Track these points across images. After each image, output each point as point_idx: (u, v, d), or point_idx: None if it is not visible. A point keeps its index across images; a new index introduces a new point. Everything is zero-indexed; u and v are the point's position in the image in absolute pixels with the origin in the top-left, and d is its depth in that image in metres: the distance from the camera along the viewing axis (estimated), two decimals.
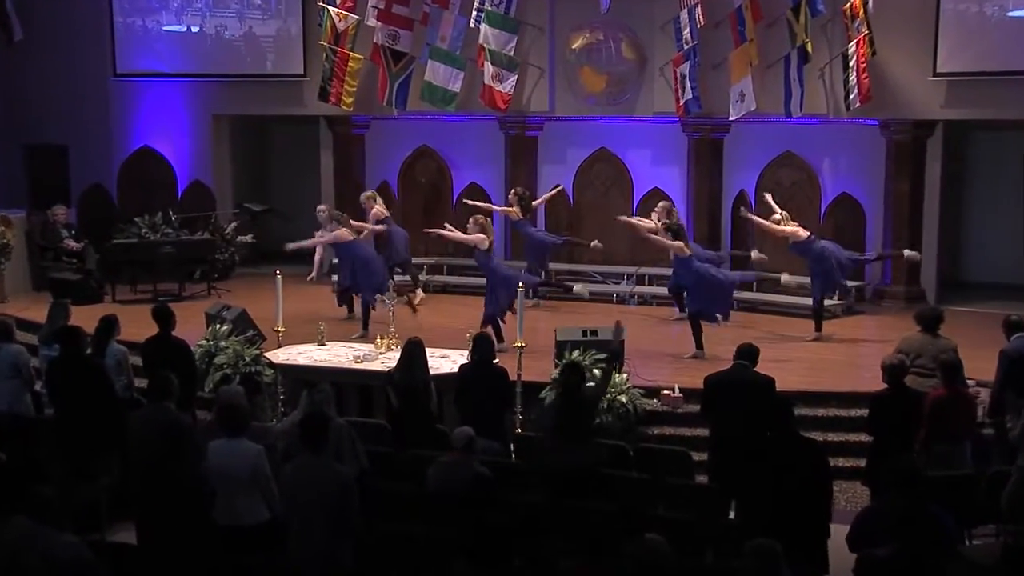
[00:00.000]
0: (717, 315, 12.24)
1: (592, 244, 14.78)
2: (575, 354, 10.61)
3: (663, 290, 15.77)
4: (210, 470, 6.98)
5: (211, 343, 11.47)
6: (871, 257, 14.46)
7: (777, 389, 8.63)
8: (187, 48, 17.67)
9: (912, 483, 6.28)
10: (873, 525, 6.42)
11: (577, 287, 13.26)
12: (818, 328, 13.29)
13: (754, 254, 13.79)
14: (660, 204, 14.41)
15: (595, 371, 10.04)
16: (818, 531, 6.98)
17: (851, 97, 14.39)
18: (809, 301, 14.04)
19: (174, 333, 9.71)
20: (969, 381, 9.41)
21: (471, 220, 12.75)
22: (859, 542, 6.49)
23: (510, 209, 15.05)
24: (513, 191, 15.31)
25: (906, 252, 13.80)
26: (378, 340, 11.27)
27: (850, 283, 15.05)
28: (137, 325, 10.88)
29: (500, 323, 12.18)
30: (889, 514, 6.30)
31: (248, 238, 17.14)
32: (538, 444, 8.22)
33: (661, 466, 8.44)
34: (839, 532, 6.84)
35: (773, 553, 5.57)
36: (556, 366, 10.77)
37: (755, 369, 8.46)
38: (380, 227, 14.55)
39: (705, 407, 8.64)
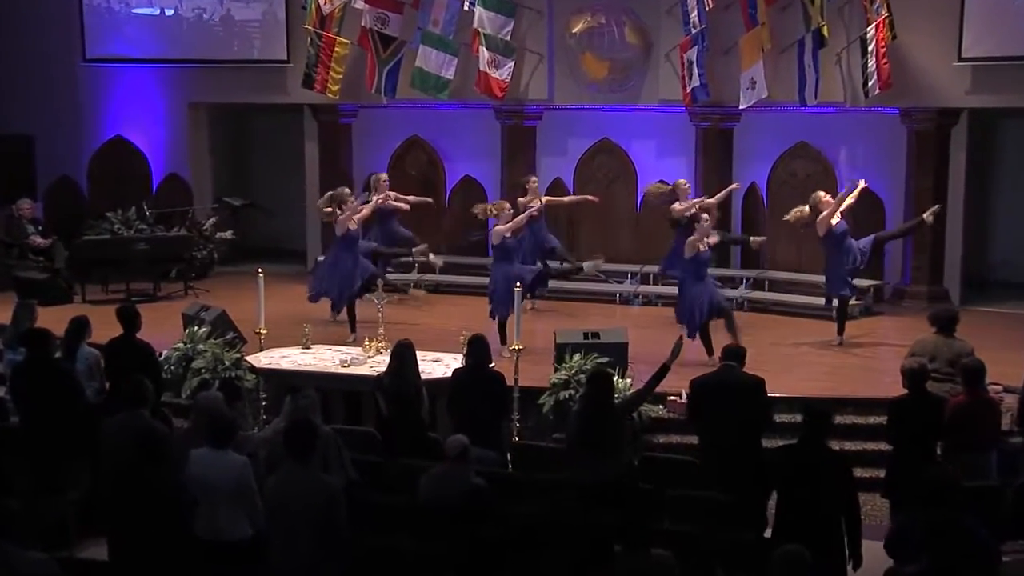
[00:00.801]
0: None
1: (580, 265, 13.75)
2: (576, 357, 10.64)
3: (669, 289, 15.81)
4: (191, 481, 7.00)
5: (188, 346, 11.49)
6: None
7: (801, 398, 8.65)
8: (162, 32, 17.68)
9: (947, 496, 6.26)
10: (904, 539, 6.44)
11: (587, 264, 13.24)
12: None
13: (753, 241, 13.72)
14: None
15: (625, 382, 10.10)
16: (839, 548, 7.04)
17: (870, 84, 14.42)
18: (823, 301, 14.12)
19: (141, 335, 9.71)
20: (995, 386, 9.44)
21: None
22: (897, 552, 6.51)
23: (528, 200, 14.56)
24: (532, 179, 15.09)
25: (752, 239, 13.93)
26: (366, 343, 11.29)
27: (868, 282, 15.14)
28: (109, 327, 10.85)
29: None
30: (920, 528, 6.30)
31: (228, 234, 17.16)
32: (566, 457, 8.25)
33: (667, 477, 8.46)
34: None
35: (801, 560, 5.68)
36: (556, 370, 10.80)
37: (743, 370, 8.49)
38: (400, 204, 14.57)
39: (692, 412, 8.66)
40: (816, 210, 12.82)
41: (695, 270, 12.09)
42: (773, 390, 9.78)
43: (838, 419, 10.61)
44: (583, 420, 7.96)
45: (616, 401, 8.44)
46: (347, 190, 13.98)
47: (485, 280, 16.08)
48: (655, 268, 16.06)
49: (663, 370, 8.50)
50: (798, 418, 8.92)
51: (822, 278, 15.01)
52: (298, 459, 6.77)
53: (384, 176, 15.24)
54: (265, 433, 8.52)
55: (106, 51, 17.82)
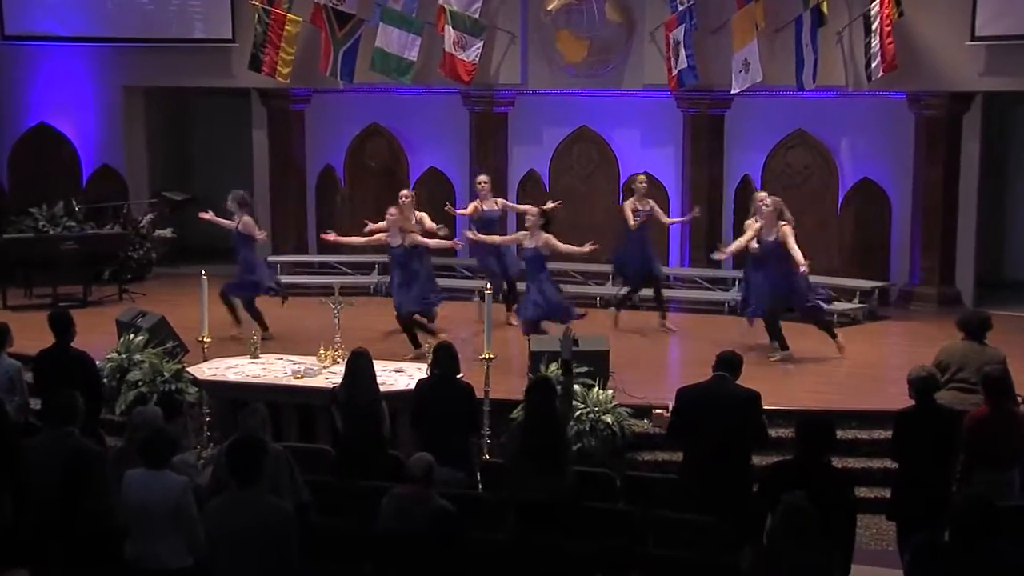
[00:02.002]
0: None
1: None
2: (552, 367, 10.65)
3: (651, 293, 15.85)
4: (124, 505, 6.97)
5: (123, 356, 11.43)
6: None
7: (799, 410, 8.66)
8: (93, 7, 17.58)
9: (981, 522, 6.27)
10: (926, 565, 6.45)
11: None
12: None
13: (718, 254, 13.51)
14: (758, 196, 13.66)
15: (607, 394, 10.12)
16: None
17: (874, 66, 14.52)
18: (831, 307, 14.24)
19: (74, 344, 9.65)
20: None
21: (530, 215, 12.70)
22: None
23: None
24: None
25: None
26: (321, 352, 11.26)
27: (872, 283, 15.24)
28: (33, 335, 10.81)
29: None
30: (945, 554, 6.32)
31: (167, 232, 17.11)
32: (505, 472, 8.26)
33: (652, 497, 8.47)
34: (862, 573, 6.91)
35: (803, 512, 6.11)
36: (529, 380, 10.81)
37: (737, 382, 8.51)
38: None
39: (674, 425, 8.63)
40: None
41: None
42: (770, 401, 9.82)
43: (840, 433, 10.67)
44: (527, 432, 8.00)
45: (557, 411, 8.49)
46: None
47: (453, 283, 16.21)
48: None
49: (566, 366, 8.65)
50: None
51: (820, 279, 15.13)
52: (243, 482, 6.74)
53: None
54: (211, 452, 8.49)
55: (28, 28, 17.71)
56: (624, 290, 14.50)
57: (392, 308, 12.87)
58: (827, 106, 15.93)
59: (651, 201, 14.22)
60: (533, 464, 7.86)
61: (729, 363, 8.52)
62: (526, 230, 12.64)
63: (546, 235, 12.48)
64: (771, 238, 12.38)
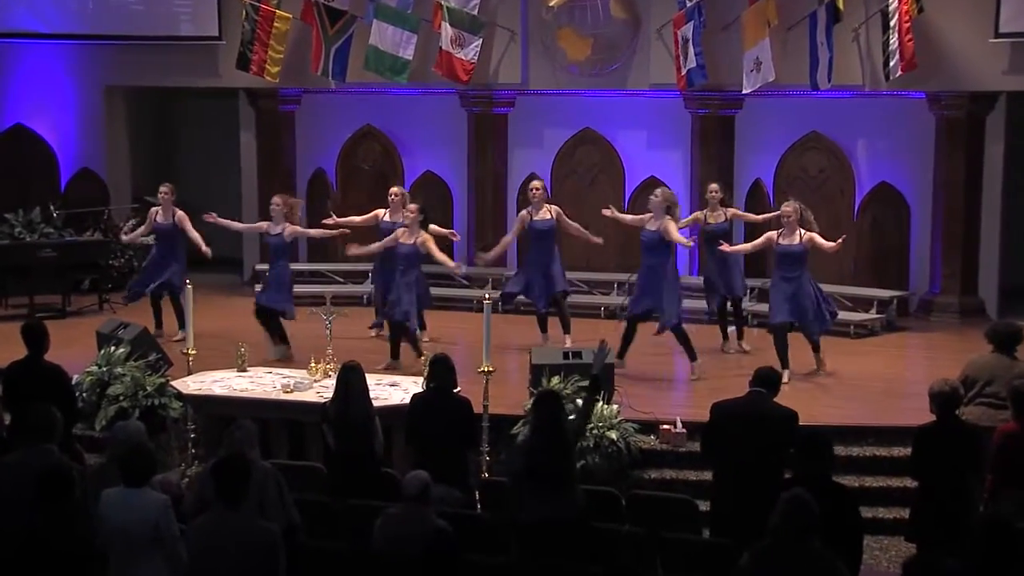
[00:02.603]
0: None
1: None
2: (554, 380, 10.64)
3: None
4: (103, 526, 6.95)
5: (104, 369, 11.42)
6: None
7: (815, 426, 8.63)
8: (72, 3, 17.57)
9: (1006, 545, 6.25)
10: None
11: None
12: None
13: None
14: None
15: (577, 401, 10.08)
16: None
17: (892, 64, 14.53)
18: (840, 314, 14.17)
19: (52, 357, 9.63)
20: None
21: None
22: None
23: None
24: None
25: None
26: (312, 365, 11.26)
27: (891, 293, 15.24)
28: (8, 347, 10.81)
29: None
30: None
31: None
32: (507, 492, 8.23)
33: (660, 517, 8.46)
34: None
35: (806, 505, 6.18)
36: (531, 395, 10.80)
37: (775, 399, 8.49)
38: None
39: (707, 442, 8.63)
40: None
41: None
42: None
43: (857, 451, 10.70)
44: (531, 450, 7.97)
45: (567, 425, 8.45)
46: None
47: (448, 291, 16.21)
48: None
49: (593, 382, 8.51)
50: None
51: (836, 288, 15.15)
52: (229, 501, 6.73)
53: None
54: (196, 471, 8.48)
55: (5, 24, 17.69)
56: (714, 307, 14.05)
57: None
58: (843, 107, 15.95)
59: (728, 211, 13.70)
60: (538, 484, 7.83)
61: (767, 379, 8.46)
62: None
63: (425, 235, 12.62)
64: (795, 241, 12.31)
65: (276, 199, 13.29)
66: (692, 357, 12.57)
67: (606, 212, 13.48)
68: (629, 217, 13.45)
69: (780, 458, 8.12)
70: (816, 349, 12.61)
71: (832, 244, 12.12)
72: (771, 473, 8.08)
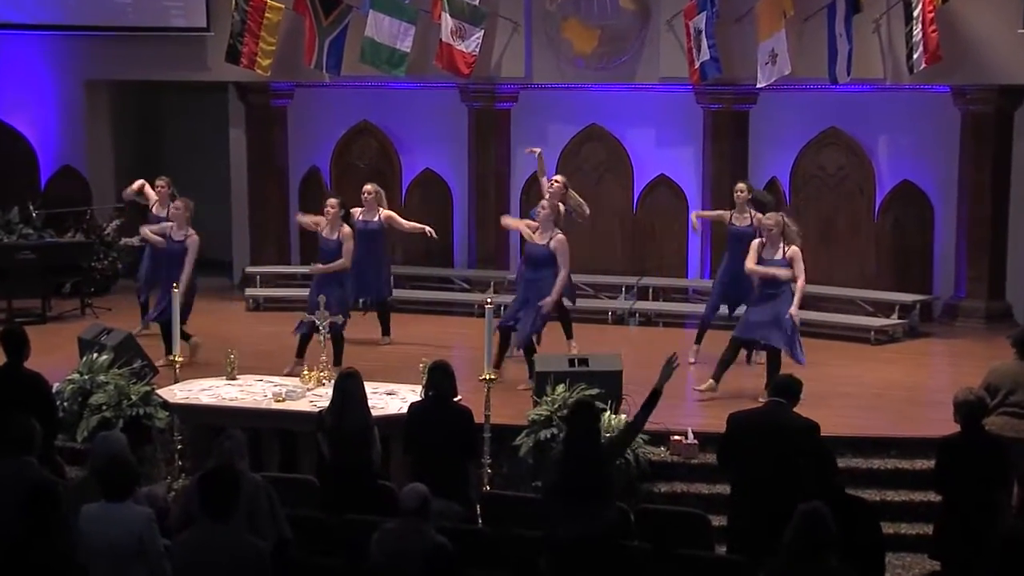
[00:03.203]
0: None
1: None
2: (559, 389, 10.64)
3: (672, 306, 15.88)
4: (81, 541, 6.96)
5: (85, 377, 11.41)
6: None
7: (834, 437, 8.60)
8: None
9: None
10: None
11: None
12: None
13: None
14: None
15: (619, 418, 10.12)
16: None
17: (915, 57, 14.53)
18: (859, 320, 14.18)
19: (29, 364, 9.64)
20: None
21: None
22: None
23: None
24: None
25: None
26: (305, 373, 11.27)
27: (914, 297, 15.22)
28: None
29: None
30: None
31: (134, 241, 17.04)
32: (543, 507, 8.24)
33: (670, 533, 8.45)
34: None
35: (822, 519, 6.20)
36: (535, 404, 10.81)
37: (795, 410, 8.48)
38: None
39: (724, 454, 8.63)
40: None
41: None
42: None
43: (878, 464, 10.70)
44: (564, 464, 7.95)
45: (605, 439, 8.43)
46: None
47: (447, 296, 16.23)
48: (655, 281, 16.15)
49: (653, 397, 8.46)
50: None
51: (855, 292, 15.14)
52: (216, 516, 6.73)
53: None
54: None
55: None
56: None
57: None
58: (863, 101, 15.95)
59: (756, 214, 13.14)
60: (572, 499, 7.81)
61: (787, 388, 8.43)
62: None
63: (387, 211, 13.11)
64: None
65: (332, 201, 13.25)
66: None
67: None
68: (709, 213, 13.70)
69: (800, 471, 8.12)
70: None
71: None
72: (790, 487, 8.06)
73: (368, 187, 14.16)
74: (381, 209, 14.03)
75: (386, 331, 14.36)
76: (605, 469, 8.05)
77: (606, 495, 7.90)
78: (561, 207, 12.87)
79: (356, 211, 13.86)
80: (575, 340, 13.21)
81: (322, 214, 13.21)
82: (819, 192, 16.15)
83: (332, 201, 13.11)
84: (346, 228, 12.93)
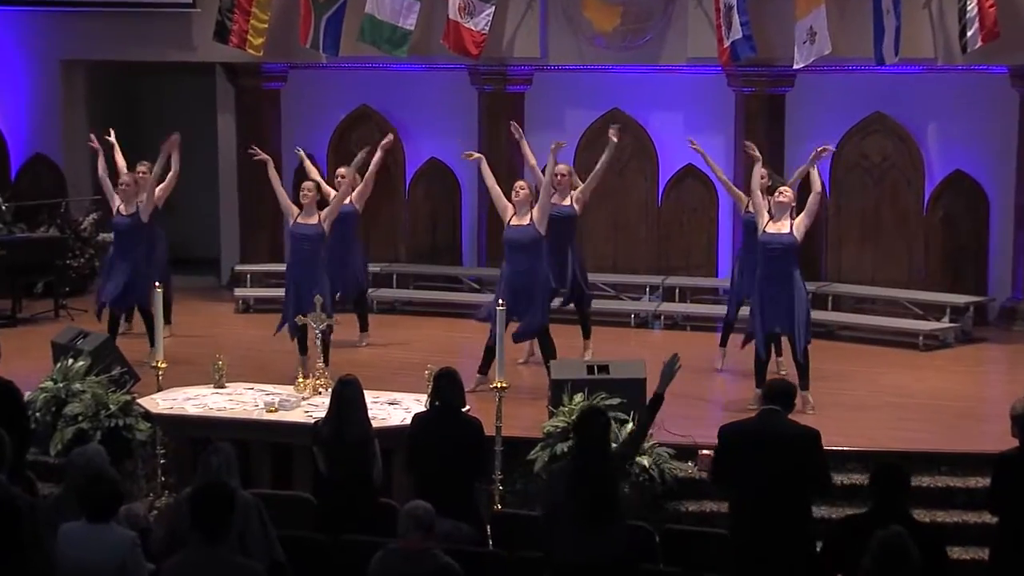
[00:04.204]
0: None
1: None
2: (577, 398, 10.63)
3: (700, 308, 15.86)
4: (61, 565, 6.96)
5: (60, 385, 11.43)
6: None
7: (878, 452, 8.58)
8: None
9: None
10: None
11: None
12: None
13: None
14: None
15: (627, 426, 10.11)
16: None
17: (969, 35, 14.50)
18: (907, 323, 14.14)
19: None
20: None
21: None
22: None
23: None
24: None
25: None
26: (300, 380, 11.28)
27: (967, 299, 15.17)
28: None
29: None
30: None
31: (112, 236, 17.14)
32: (544, 524, 8.22)
33: (699, 556, 8.46)
34: None
35: (904, 548, 6.24)
36: (551, 415, 10.80)
37: (790, 417, 8.48)
38: None
39: (717, 470, 8.59)
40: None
41: None
42: (839, 441, 9.80)
43: (927, 481, 10.67)
44: (571, 480, 7.95)
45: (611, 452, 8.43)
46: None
47: (456, 296, 16.23)
48: (682, 280, 16.13)
49: (655, 402, 8.45)
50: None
51: (902, 293, 15.08)
52: (206, 536, 6.74)
53: None
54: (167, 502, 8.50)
55: None
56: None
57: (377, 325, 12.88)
58: (911, 84, 15.91)
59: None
60: (580, 517, 7.81)
61: (780, 394, 8.44)
62: None
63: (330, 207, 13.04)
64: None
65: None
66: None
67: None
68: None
69: (800, 483, 8.13)
70: (803, 370, 12.00)
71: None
72: (792, 503, 8.11)
73: (342, 170, 14.30)
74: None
75: (364, 326, 14.36)
76: (616, 483, 8.05)
77: (616, 514, 7.90)
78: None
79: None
80: (592, 342, 13.24)
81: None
82: (862, 184, 16.12)
83: (308, 184, 13.16)
84: (324, 212, 13.00)
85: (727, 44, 15.22)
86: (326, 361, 11.68)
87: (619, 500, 8.11)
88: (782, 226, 11.96)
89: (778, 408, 8.34)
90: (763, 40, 15.24)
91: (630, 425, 10.42)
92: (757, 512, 8.14)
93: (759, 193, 12.25)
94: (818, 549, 7.99)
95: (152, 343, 13.09)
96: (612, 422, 8.70)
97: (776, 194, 12.16)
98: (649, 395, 10.86)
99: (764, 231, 12.02)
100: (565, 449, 10.40)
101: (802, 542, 8.09)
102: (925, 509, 10.29)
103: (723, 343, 13.54)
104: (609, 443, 8.17)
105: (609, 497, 7.86)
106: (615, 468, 8.28)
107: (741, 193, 13.25)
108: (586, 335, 13.47)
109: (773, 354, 12.58)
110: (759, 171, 12.39)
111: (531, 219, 12.45)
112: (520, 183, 12.76)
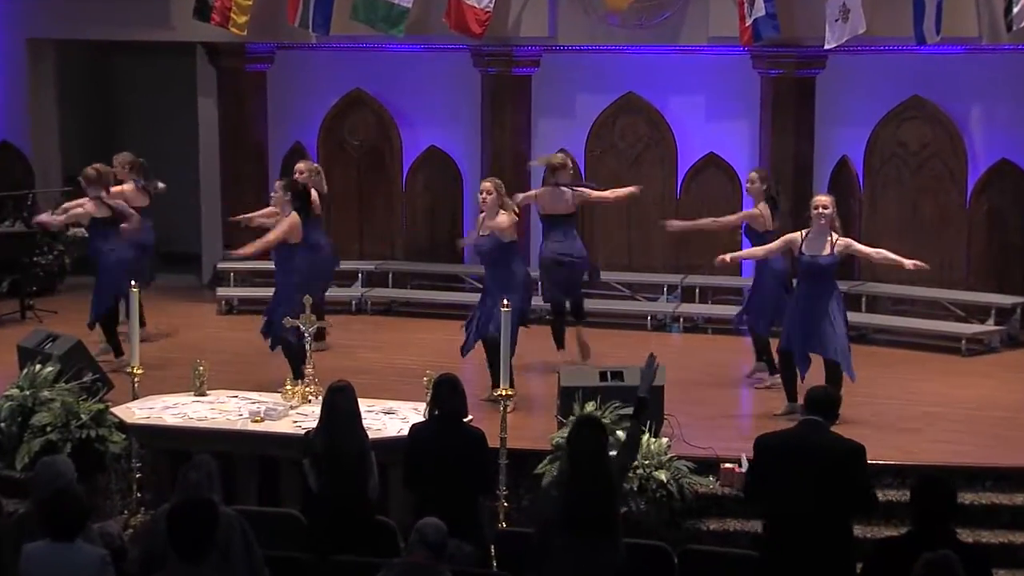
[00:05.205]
0: None
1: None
2: (588, 407, 10.64)
3: (722, 310, 15.84)
4: None
5: (27, 393, 11.44)
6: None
7: (919, 466, 8.57)
8: None
9: None
10: None
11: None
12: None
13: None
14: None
15: (619, 433, 10.08)
16: None
17: (1016, 11, 14.48)
18: (948, 326, 14.11)
19: None
20: None
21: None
22: None
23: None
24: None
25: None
26: (287, 388, 11.29)
27: (1013, 299, 15.16)
28: None
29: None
30: None
31: (84, 231, 17.14)
32: (537, 543, 8.23)
33: None
34: None
35: (951, 569, 6.24)
36: (560, 425, 10.81)
37: (833, 429, 8.48)
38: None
39: (752, 485, 8.61)
40: None
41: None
42: (877, 454, 9.76)
43: (971, 498, 10.67)
44: (567, 493, 7.96)
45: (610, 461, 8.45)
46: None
47: (456, 297, 16.22)
48: (702, 279, 16.12)
49: (641, 404, 8.50)
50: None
51: (943, 293, 15.06)
52: (187, 557, 6.75)
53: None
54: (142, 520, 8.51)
55: None
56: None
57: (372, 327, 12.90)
58: (953, 65, 15.89)
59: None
60: (575, 535, 7.82)
61: (823, 404, 8.45)
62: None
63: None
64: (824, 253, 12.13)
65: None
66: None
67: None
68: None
69: (843, 500, 8.11)
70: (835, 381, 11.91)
71: (899, 259, 12.00)
72: (833, 522, 8.10)
73: (300, 165, 14.36)
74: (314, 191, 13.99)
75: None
76: (613, 499, 8.06)
77: (614, 530, 7.92)
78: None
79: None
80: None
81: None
82: (899, 174, 16.10)
83: (277, 184, 13.00)
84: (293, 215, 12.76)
85: (748, 22, 15.20)
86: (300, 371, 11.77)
87: (617, 516, 8.12)
88: (824, 246, 11.97)
89: (820, 419, 8.34)
90: (790, 18, 15.22)
91: (647, 436, 10.43)
92: (795, 531, 8.13)
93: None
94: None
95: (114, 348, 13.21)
96: (608, 433, 8.68)
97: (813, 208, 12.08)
98: (669, 404, 11.05)
99: (803, 253, 12.03)
100: None
101: (843, 565, 8.08)
102: (968, 528, 10.29)
103: (760, 355, 13.51)
104: (606, 456, 8.17)
105: (606, 513, 7.88)
106: (613, 482, 8.29)
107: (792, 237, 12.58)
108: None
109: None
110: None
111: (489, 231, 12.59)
112: (487, 184, 12.89)
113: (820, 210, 11.90)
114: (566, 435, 8.52)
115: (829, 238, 11.90)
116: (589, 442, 8.02)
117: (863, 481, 8.26)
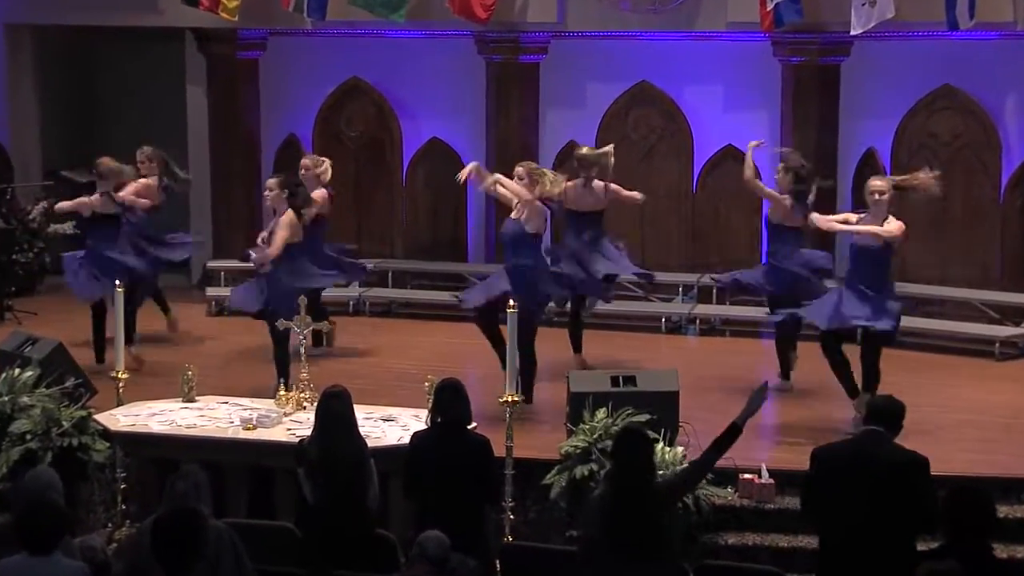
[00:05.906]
0: None
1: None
2: (599, 414, 10.64)
3: (740, 311, 15.85)
4: None
5: (5, 399, 11.46)
6: None
7: (953, 476, 8.56)
8: None
9: None
10: None
11: None
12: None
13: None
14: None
15: (675, 452, 10.13)
16: None
17: None
18: (981, 329, 14.11)
19: None
20: None
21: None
22: None
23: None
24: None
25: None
26: (281, 394, 11.30)
27: None
28: None
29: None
30: None
31: (67, 227, 17.14)
32: (580, 560, 8.24)
33: None
34: None
35: None
36: (570, 433, 10.81)
37: (896, 440, 8.48)
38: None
39: (809, 498, 8.63)
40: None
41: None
42: None
43: (1005, 511, 10.66)
44: (609, 507, 7.95)
45: (660, 479, 8.42)
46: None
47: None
48: (722, 277, 16.13)
49: (731, 433, 8.45)
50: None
51: (975, 294, 15.06)
52: (173, 571, 6.76)
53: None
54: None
55: None
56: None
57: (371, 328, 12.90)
58: (987, 52, 15.91)
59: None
60: (620, 555, 7.81)
61: (886, 413, 8.42)
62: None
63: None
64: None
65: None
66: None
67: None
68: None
69: (906, 515, 8.10)
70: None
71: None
72: (894, 538, 8.07)
73: (306, 161, 14.32)
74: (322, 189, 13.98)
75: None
76: (662, 518, 8.03)
77: (664, 551, 7.90)
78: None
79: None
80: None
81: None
82: (930, 166, 16.09)
83: (270, 183, 12.98)
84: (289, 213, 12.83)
85: (770, 7, 15.22)
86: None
87: (668, 536, 8.10)
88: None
89: (882, 429, 8.32)
90: (815, 2, 15.26)
91: (660, 445, 10.43)
92: (853, 546, 8.11)
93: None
94: None
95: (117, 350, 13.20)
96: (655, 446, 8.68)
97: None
98: (684, 410, 11.05)
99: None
100: (586, 472, 10.42)
101: None
102: (1004, 543, 10.28)
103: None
104: (654, 469, 8.17)
105: (656, 532, 7.86)
106: (667, 499, 8.28)
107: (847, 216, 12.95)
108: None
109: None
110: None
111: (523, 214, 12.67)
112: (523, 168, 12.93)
113: (876, 196, 11.96)
114: (612, 448, 8.50)
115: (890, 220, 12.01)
116: (634, 455, 8.01)
117: (928, 494, 8.19)
